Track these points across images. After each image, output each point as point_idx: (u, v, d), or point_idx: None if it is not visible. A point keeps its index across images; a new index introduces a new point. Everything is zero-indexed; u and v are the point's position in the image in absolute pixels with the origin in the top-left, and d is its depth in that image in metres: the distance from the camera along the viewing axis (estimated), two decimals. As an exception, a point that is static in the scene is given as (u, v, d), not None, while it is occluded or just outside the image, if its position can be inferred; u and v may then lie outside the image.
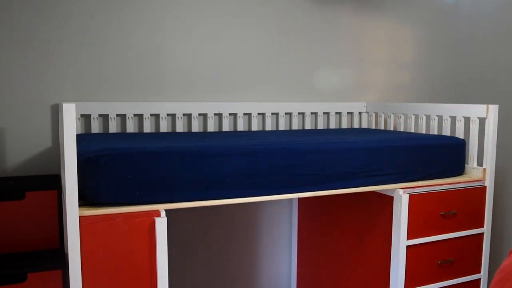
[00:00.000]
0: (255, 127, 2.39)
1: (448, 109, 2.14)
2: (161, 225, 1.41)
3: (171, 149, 1.47)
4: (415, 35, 2.82)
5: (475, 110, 2.01)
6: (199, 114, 2.30)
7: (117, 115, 2.14)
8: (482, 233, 2.01)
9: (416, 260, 1.85)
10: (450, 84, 2.93)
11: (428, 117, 2.38)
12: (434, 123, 2.22)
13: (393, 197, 1.84)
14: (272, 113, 2.47)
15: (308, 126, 2.53)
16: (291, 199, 2.55)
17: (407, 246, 1.82)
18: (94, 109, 2.06)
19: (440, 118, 2.22)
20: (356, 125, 2.65)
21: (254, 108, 2.38)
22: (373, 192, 1.94)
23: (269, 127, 2.44)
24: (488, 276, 2.14)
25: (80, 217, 1.33)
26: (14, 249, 1.67)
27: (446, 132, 2.15)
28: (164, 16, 2.21)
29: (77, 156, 1.31)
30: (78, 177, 1.33)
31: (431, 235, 1.87)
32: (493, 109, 1.95)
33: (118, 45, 2.13)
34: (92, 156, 1.36)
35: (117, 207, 1.39)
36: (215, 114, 2.33)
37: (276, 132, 2.24)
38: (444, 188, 1.89)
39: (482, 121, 2.03)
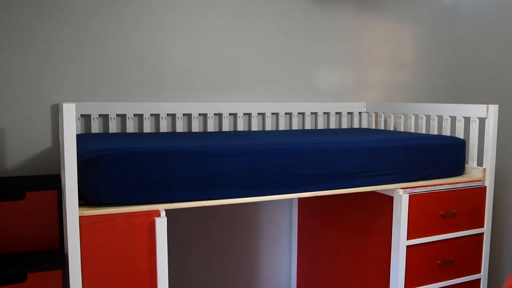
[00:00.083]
0: (255, 127, 2.39)
1: (448, 109, 2.14)
2: (161, 225, 1.41)
3: (171, 149, 1.47)
4: (415, 35, 2.82)
5: (475, 110, 2.01)
6: (199, 114, 2.30)
7: (117, 115, 2.14)
8: (482, 233, 2.01)
9: (416, 260, 1.85)
10: (450, 84, 2.93)
11: (428, 117, 2.38)
12: (434, 123, 2.22)
13: (393, 197, 1.84)
14: (272, 113, 2.47)
15: (308, 126, 2.53)
16: (291, 199, 2.55)
17: (407, 246, 1.82)
18: (94, 109, 2.06)
19: (440, 118, 2.22)
20: (356, 125, 2.65)
21: (254, 108, 2.38)
22: (373, 192, 1.94)
23: (269, 127, 2.44)
24: (488, 276, 2.14)
25: (80, 217, 1.33)
26: (14, 249, 1.67)
27: (446, 132, 2.15)
28: (164, 16, 2.21)
29: (77, 156, 1.31)
30: (78, 177, 1.33)
31: (431, 235, 1.87)
32: (493, 109, 1.95)
33: (118, 45, 2.13)
34: (92, 156, 1.36)
35: (117, 207, 1.39)
36: (215, 114, 2.33)
37: (276, 132, 2.24)
38: (444, 188, 1.89)
39: (482, 121, 2.03)
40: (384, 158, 1.79)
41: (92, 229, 1.35)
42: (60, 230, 1.72)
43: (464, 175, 2.03)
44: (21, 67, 1.97)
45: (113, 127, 2.10)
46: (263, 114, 2.44)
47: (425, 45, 2.85)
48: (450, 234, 1.92)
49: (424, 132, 2.29)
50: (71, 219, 1.31)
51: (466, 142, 2.05)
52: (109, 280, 1.38)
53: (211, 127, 2.29)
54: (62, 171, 1.56)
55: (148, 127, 2.17)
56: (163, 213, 1.42)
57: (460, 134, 2.08)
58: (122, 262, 1.39)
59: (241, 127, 2.36)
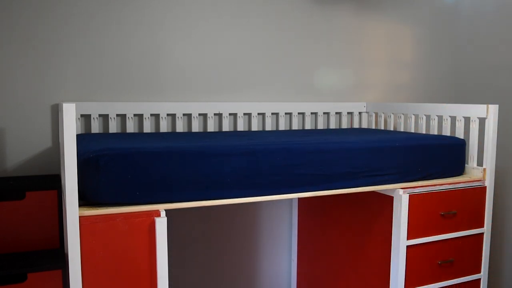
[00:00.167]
0: (255, 127, 2.39)
1: (448, 109, 2.14)
2: (161, 225, 1.41)
3: (171, 149, 1.47)
4: (415, 35, 2.82)
5: (475, 110, 2.01)
6: (199, 114, 2.30)
7: (117, 115, 2.14)
8: (482, 233, 2.01)
9: (416, 260, 1.85)
10: (450, 84, 2.93)
11: (428, 117, 2.38)
12: (434, 123, 2.22)
13: (393, 197, 1.84)
14: (272, 113, 2.47)
15: (308, 126, 2.53)
16: (291, 199, 2.55)
17: (407, 246, 1.82)
18: (94, 109, 2.06)
19: (440, 118, 2.22)
20: (356, 125, 2.65)
21: (254, 108, 2.38)
22: (373, 192, 1.94)
23: (269, 127, 2.44)
24: (488, 276, 2.14)
25: (80, 217, 1.33)
26: (14, 249, 1.67)
27: (446, 132, 2.15)
28: (164, 16, 2.21)
29: (77, 156, 1.31)
30: (78, 177, 1.33)
31: (431, 235, 1.87)
32: (493, 109, 1.95)
33: (118, 45, 2.13)
34: (92, 156, 1.36)
35: (117, 207, 1.39)
36: (215, 114, 2.33)
37: (276, 132, 2.24)
38: (444, 188, 1.89)
39: (482, 121, 2.03)
40: (384, 158, 1.79)
41: (92, 229, 1.35)
42: (60, 230, 1.72)
43: (464, 175, 2.03)
44: (21, 67, 1.97)
45: (113, 127, 2.10)
46: (263, 114, 2.44)
47: (425, 45, 2.85)
48: (450, 234, 1.92)
49: (424, 132, 2.29)
50: (71, 219, 1.31)
51: (466, 142, 2.05)
52: (109, 280, 1.38)
53: (211, 127, 2.29)
54: (62, 171, 1.56)
55: (148, 127, 2.17)
56: (163, 213, 1.42)
57: (460, 134, 2.08)
58: (122, 262, 1.39)
59: (241, 127, 2.36)
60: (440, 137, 2.03)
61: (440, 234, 1.89)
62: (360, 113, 2.67)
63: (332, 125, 2.58)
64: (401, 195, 1.79)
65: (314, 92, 2.58)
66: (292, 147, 1.64)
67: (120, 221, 1.38)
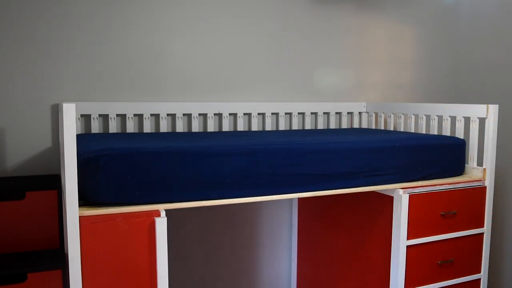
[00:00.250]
0: (255, 127, 2.39)
1: (448, 109, 2.14)
2: (161, 225, 1.41)
3: (171, 149, 1.47)
4: (415, 35, 2.82)
5: (475, 110, 2.01)
6: (199, 114, 2.30)
7: (117, 115, 2.14)
8: (482, 233, 2.01)
9: (416, 260, 1.85)
10: (450, 84, 2.93)
11: (428, 117, 2.38)
12: (434, 123, 2.22)
13: (393, 197, 1.84)
14: (272, 113, 2.47)
15: (308, 126, 2.53)
16: (291, 199, 2.55)
17: (407, 246, 1.82)
18: (94, 109, 2.06)
19: (440, 118, 2.22)
20: (356, 125, 2.65)
21: (254, 108, 2.38)
22: (373, 192, 1.94)
23: (269, 127, 2.44)
24: (488, 276, 2.14)
25: (80, 217, 1.33)
26: (14, 249, 1.67)
27: (446, 132, 2.15)
28: (164, 16, 2.21)
29: (77, 156, 1.31)
30: (78, 177, 1.33)
31: (431, 235, 1.87)
32: (493, 109, 1.95)
33: (118, 45, 2.13)
34: (92, 156, 1.36)
35: (117, 207, 1.39)
36: (215, 114, 2.33)
37: (276, 132, 2.24)
38: (444, 188, 1.89)
39: (482, 121, 2.03)
40: (384, 158, 1.79)
41: (92, 229, 1.35)
42: (60, 230, 1.72)
43: (464, 175, 2.03)
44: (21, 67, 1.97)
45: (113, 127, 2.10)
46: (263, 114, 2.44)
47: (425, 45, 2.85)
48: (450, 234, 1.92)
49: (424, 132, 2.29)
50: (71, 219, 1.31)
51: (466, 142, 2.05)
52: (109, 280, 1.38)
53: (211, 127, 2.29)
54: (62, 171, 1.56)
55: (148, 127, 2.17)
56: (163, 213, 1.42)
57: (460, 134, 2.08)
58: (122, 262, 1.39)
59: (241, 127, 2.36)
60: (440, 137, 2.03)
61: (440, 234, 1.89)
62: (360, 113, 2.67)
63: (332, 125, 2.58)
64: (401, 195, 1.79)
65: (314, 92, 2.58)
66: (292, 147, 1.64)
67: (120, 221, 1.38)
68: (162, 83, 2.23)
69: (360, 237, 2.06)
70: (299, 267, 2.53)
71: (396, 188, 1.81)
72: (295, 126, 2.50)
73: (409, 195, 1.81)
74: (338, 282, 2.21)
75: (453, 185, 1.91)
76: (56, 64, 2.03)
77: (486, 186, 1.99)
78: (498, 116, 2.23)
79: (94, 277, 1.36)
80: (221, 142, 1.67)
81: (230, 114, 2.36)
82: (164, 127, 2.20)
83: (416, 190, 1.83)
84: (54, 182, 1.77)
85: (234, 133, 2.16)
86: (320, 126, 2.55)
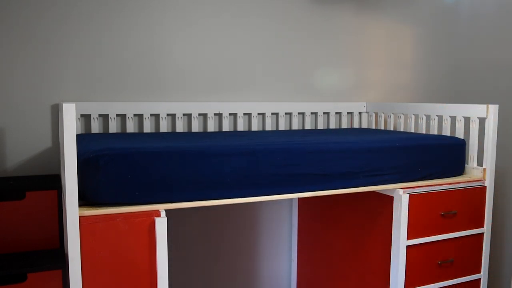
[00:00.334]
0: (255, 127, 2.39)
1: (448, 109, 2.14)
2: (161, 225, 1.41)
3: (171, 149, 1.47)
4: (415, 35, 2.82)
5: (475, 110, 2.01)
6: (199, 114, 2.30)
7: (117, 115, 2.14)
8: (482, 233, 2.01)
9: (416, 260, 1.85)
10: (450, 84, 2.93)
11: (428, 117, 2.38)
12: (434, 123, 2.22)
13: (393, 197, 1.84)
14: (272, 113, 2.47)
15: (308, 126, 2.53)
16: (291, 199, 2.55)
17: (407, 246, 1.82)
18: (94, 109, 2.06)
19: (440, 118, 2.22)
20: (356, 125, 2.65)
21: (254, 108, 2.38)
22: (373, 192, 1.94)
23: (269, 127, 2.44)
24: (488, 276, 2.14)
25: (80, 217, 1.33)
26: (14, 249, 1.67)
27: (446, 132, 2.15)
28: (164, 16, 2.21)
29: (77, 156, 1.31)
30: (78, 177, 1.33)
31: (431, 235, 1.87)
32: (493, 109, 1.95)
33: (118, 45, 2.13)
34: (92, 156, 1.36)
35: (117, 207, 1.39)
36: (215, 114, 2.33)
37: (276, 132, 2.24)
38: (444, 188, 1.89)
39: (482, 121, 2.03)
40: (384, 158, 1.79)
41: (92, 229, 1.35)
42: (60, 230, 1.72)
43: (464, 175, 2.03)
44: (21, 67, 1.97)
45: (113, 127, 2.10)
46: (263, 114, 2.44)
47: (425, 45, 2.85)
48: (450, 234, 1.92)
49: (424, 132, 2.29)
50: (71, 219, 1.31)
51: (466, 142, 2.05)
52: (109, 280, 1.38)
53: (211, 127, 2.29)
54: (62, 171, 1.56)
55: (148, 127, 2.17)
56: (163, 213, 1.42)
57: (460, 134, 2.08)
58: (122, 262, 1.39)
59: (241, 127, 2.36)
60: (440, 137, 2.03)
61: (440, 234, 1.89)
62: (360, 113, 2.67)
63: (332, 125, 2.58)
64: (401, 195, 1.79)
65: (314, 92, 2.58)
66: (292, 147, 1.64)
67: (120, 221, 1.38)
68: (162, 83, 2.23)
69: (360, 237, 2.06)
70: (299, 267, 2.54)
71: (396, 188, 1.81)
72: (295, 126, 2.50)
73: (409, 195, 1.81)
74: (338, 282, 2.21)
75: (453, 185, 1.91)
76: (56, 64, 2.03)
77: (486, 186, 1.99)
78: (498, 116, 2.23)
79: (94, 277, 1.36)
80: (221, 142, 1.67)
81: (230, 114, 2.36)
82: (164, 127, 2.20)
83: (416, 190, 1.83)
84: (54, 182, 1.77)
85: (234, 133, 2.16)
86: (320, 126, 2.55)
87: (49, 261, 1.55)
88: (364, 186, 1.76)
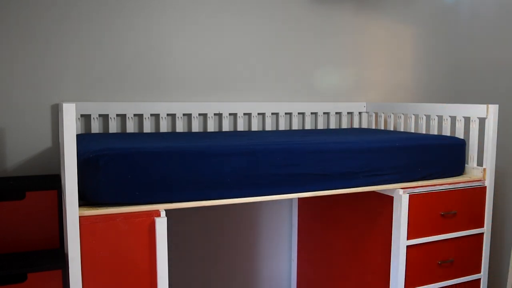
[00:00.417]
0: (255, 127, 2.39)
1: (448, 109, 2.14)
2: (161, 225, 1.41)
3: (171, 149, 1.47)
4: (415, 35, 2.82)
5: (475, 110, 2.01)
6: (199, 114, 2.30)
7: (117, 115, 2.14)
8: (482, 233, 2.01)
9: (416, 260, 1.85)
10: (450, 84, 2.93)
11: (428, 117, 2.38)
12: (434, 123, 2.22)
13: (393, 197, 1.84)
14: (272, 113, 2.47)
15: (308, 126, 2.54)
16: (291, 199, 2.55)
17: (407, 246, 1.82)
18: (94, 109, 2.06)
19: (440, 118, 2.22)
20: (356, 125, 2.65)
21: (254, 108, 2.38)
22: (373, 192, 1.94)
23: (269, 127, 2.44)
24: (488, 276, 2.14)
25: (80, 217, 1.33)
26: (14, 249, 1.67)
27: (446, 132, 2.15)
28: (164, 16, 2.21)
29: (77, 156, 1.31)
30: (78, 177, 1.33)
31: (431, 235, 1.87)
32: (493, 109, 1.95)
33: (118, 45, 2.13)
34: (92, 156, 1.36)
35: (117, 207, 1.39)
36: (215, 114, 2.33)
37: (276, 132, 2.24)
38: (444, 188, 1.89)
39: (482, 121, 2.03)
40: (384, 158, 1.79)
41: (92, 229, 1.35)
42: (60, 230, 1.72)
43: (464, 175, 2.03)
44: (21, 67, 1.97)
45: (113, 127, 2.10)
46: (263, 114, 2.44)
47: (425, 45, 2.85)
48: (450, 234, 1.92)
49: (424, 132, 2.29)
50: (71, 219, 1.31)
51: (466, 142, 2.05)
52: (109, 280, 1.38)
53: (211, 127, 2.30)
54: (62, 171, 1.56)
55: (148, 127, 2.17)
56: (163, 213, 1.42)
57: (460, 134, 2.08)
58: (122, 262, 1.39)
59: (241, 127, 2.36)
60: (440, 137, 2.03)
61: (440, 234, 1.89)
62: (360, 113, 2.67)
63: (332, 125, 2.58)
64: (401, 195, 1.79)
65: (314, 92, 2.58)
66: (292, 147, 1.64)
67: (120, 221, 1.38)
68: (162, 83, 2.23)
69: (360, 237, 2.06)
70: (299, 267, 2.54)
71: (396, 188, 1.81)
72: (295, 126, 2.50)
73: (409, 195, 1.81)
74: (338, 282, 2.21)
75: (453, 185, 1.91)
76: (56, 64, 2.03)
77: (486, 186, 1.99)
78: (498, 116, 2.23)
79: (94, 277, 1.36)
80: (221, 142, 1.67)
81: (230, 114, 2.36)
82: (164, 127, 2.20)
83: (416, 190, 1.83)
84: (54, 182, 1.77)
85: (234, 133, 2.16)
86: (320, 126, 2.55)
87: (49, 261, 1.55)
88: (364, 186, 1.76)
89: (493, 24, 2.81)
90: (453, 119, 2.15)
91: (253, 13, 2.39)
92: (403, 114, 2.42)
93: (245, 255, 2.48)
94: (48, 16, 2.00)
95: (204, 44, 2.30)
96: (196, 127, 2.27)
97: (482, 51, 2.86)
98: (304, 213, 2.46)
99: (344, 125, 2.61)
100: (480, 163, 2.05)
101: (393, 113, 2.49)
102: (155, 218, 1.41)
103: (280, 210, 2.54)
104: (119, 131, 2.15)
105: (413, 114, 2.35)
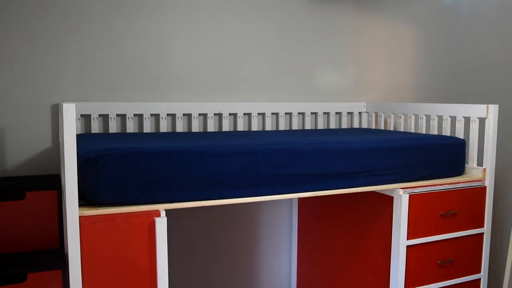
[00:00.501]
0: (255, 127, 2.39)
1: (448, 109, 2.14)
2: (161, 225, 1.41)
3: (171, 149, 1.47)
4: (415, 35, 2.82)
5: (475, 110, 2.01)
6: (199, 114, 2.30)
7: (117, 115, 2.14)
8: (482, 233, 2.01)
9: (416, 260, 1.85)
10: (450, 84, 2.93)
11: (428, 117, 2.38)
12: (434, 123, 2.22)
13: (393, 197, 1.84)
14: (272, 113, 2.47)
15: (308, 126, 2.53)
16: (291, 199, 2.55)
17: (407, 246, 1.82)
18: (94, 109, 2.06)
19: (440, 118, 2.22)
20: (356, 125, 2.65)
21: (254, 108, 2.38)
22: (373, 192, 1.94)
23: (269, 127, 2.44)
24: (488, 276, 2.14)
25: (80, 217, 1.33)
26: (14, 249, 1.67)
27: (446, 132, 2.15)
28: (164, 16, 2.21)
29: (77, 156, 1.31)
30: (78, 177, 1.33)
31: (431, 235, 1.87)
32: (493, 109, 1.95)
33: (118, 45, 2.13)
34: (92, 156, 1.36)
35: (117, 207, 1.39)
36: (215, 114, 2.33)
37: (276, 132, 2.24)
38: (444, 188, 1.89)
39: (482, 121, 2.03)
40: (384, 158, 1.79)
41: (92, 229, 1.35)
42: (60, 230, 1.72)
43: (464, 175, 2.03)
44: (21, 67, 1.97)
45: (113, 127, 2.10)
46: (263, 114, 2.44)
47: (425, 45, 2.85)
48: (450, 234, 1.92)
49: (424, 132, 2.29)
50: (71, 219, 1.31)
51: (466, 142, 2.05)
52: (109, 280, 1.38)
53: (211, 127, 2.30)
54: (62, 171, 1.56)
55: (148, 127, 2.17)
56: (163, 213, 1.42)
57: (460, 134, 2.08)
58: (122, 262, 1.39)
59: (241, 127, 2.36)
60: (440, 137, 2.03)
61: (440, 234, 1.89)
62: (360, 113, 2.67)
63: (332, 125, 2.58)
64: (401, 195, 1.79)
65: (314, 92, 2.58)
66: (292, 147, 1.64)
67: (120, 221, 1.38)
68: (162, 83, 2.23)
69: (360, 237, 2.06)
70: (299, 267, 2.54)
71: (396, 188, 1.81)
72: (295, 126, 2.50)
73: (409, 195, 1.81)
74: (338, 282, 2.21)
75: (453, 185, 1.91)
76: (56, 64, 2.03)
77: (486, 186, 1.99)
78: (498, 116, 2.23)
79: (94, 277, 1.36)
80: (221, 142, 1.67)
81: (230, 114, 2.36)
82: (164, 127, 2.20)
83: (416, 190, 1.83)
84: (54, 182, 1.77)
85: (234, 133, 2.16)
86: (320, 126, 2.55)
87: (49, 261, 1.55)
88: (364, 186, 1.76)
89: (493, 24, 2.81)
90: (453, 119, 2.15)
91: (253, 13, 2.39)
92: (403, 114, 2.42)
93: (245, 255, 2.48)
94: (48, 16, 2.00)
95: (204, 44, 2.30)
96: (196, 127, 2.27)
97: (482, 51, 2.86)
98: (304, 213, 2.46)
99: (344, 125, 2.61)
100: (480, 163, 2.05)
101: (393, 113, 2.49)
102: (155, 218, 1.41)
103: (280, 210, 2.54)
104: (119, 131, 2.15)
105: (413, 114, 2.35)
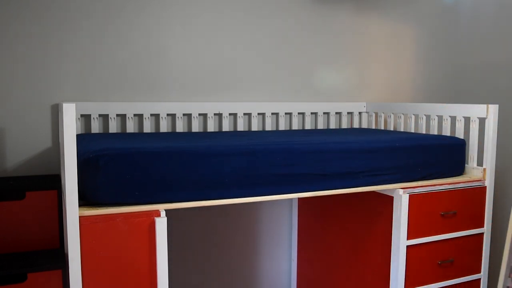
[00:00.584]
0: (255, 127, 2.39)
1: (448, 109, 2.14)
2: (161, 225, 1.41)
3: (171, 149, 1.47)
4: (415, 35, 2.82)
5: (475, 110, 2.01)
6: (199, 114, 2.30)
7: (117, 115, 2.14)
8: (482, 233, 2.01)
9: (416, 260, 1.85)
10: (450, 84, 2.93)
11: (428, 117, 2.38)
12: (434, 123, 2.22)
13: (393, 197, 1.84)
14: (272, 113, 2.47)
15: (308, 126, 2.53)
16: (291, 199, 2.55)
17: (407, 246, 1.82)
18: (94, 109, 2.06)
19: (440, 118, 2.22)
20: (356, 125, 2.65)
21: (254, 108, 2.38)
22: (373, 192, 1.94)
23: (269, 127, 2.44)
24: (488, 276, 2.14)
25: (80, 217, 1.33)
26: (14, 249, 1.67)
27: (446, 132, 2.15)
28: (164, 16, 2.21)
29: (77, 156, 1.31)
30: (78, 177, 1.33)
31: (431, 235, 1.87)
32: (493, 109, 1.95)
33: (118, 45, 2.13)
34: (92, 156, 1.36)
35: (117, 207, 1.39)
36: (215, 114, 2.33)
37: (276, 132, 2.24)
38: (444, 188, 1.89)
39: (482, 121, 2.03)
40: (384, 158, 1.79)
41: (92, 229, 1.35)
42: (60, 230, 1.72)
43: (464, 175, 2.03)
44: (21, 67, 1.97)
45: (113, 127, 2.10)
46: (263, 114, 2.44)
47: (425, 45, 2.85)
48: (450, 234, 1.92)
49: (424, 132, 2.29)
50: (71, 219, 1.31)
51: (466, 142, 2.05)
52: (109, 280, 1.38)
53: (211, 127, 2.29)
54: (62, 171, 1.56)
55: (148, 127, 2.17)
56: (163, 213, 1.42)
57: (460, 134, 2.08)
58: (122, 262, 1.39)
59: (241, 127, 2.36)
60: (440, 137, 2.03)
61: (440, 234, 1.89)
62: (360, 113, 2.67)
63: (332, 125, 2.58)
64: (401, 195, 1.79)
65: (314, 92, 2.58)
66: (292, 147, 1.64)
67: (120, 221, 1.38)
68: (162, 83, 2.23)
69: (360, 237, 2.06)
70: (299, 267, 2.54)
71: (396, 188, 1.81)
72: (295, 126, 2.50)
73: (409, 195, 1.81)
74: (338, 282, 2.21)
75: (453, 185, 1.91)
76: (56, 64, 2.03)
77: (486, 186, 1.99)
78: (498, 116, 2.23)
79: (94, 277, 1.36)
80: (221, 142, 1.67)
81: (230, 114, 2.36)
82: (164, 127, 2.20)
83: (416, 190, 1.83)
84: (54, 182, 1.77)
85: (234, 133, 2.16)
86: (320, 126, 2.55)
87: (49, 261, 1.55)
88: (364, 186, 1.76)
89: (493, 24, 2.81)
90: (453, 119, 2.15)
91: (253, 13, 2.39)
92: (403, 114, 2.42)
93: (245, 255, 2.48)
94: (48, 16, 2.00)
95: (204, 44, 2.30)
96: (196, 127, 2.27)
97: (482, 51, 2.85)
98: (304, 213, 2.46)
99: (344, 125, 2.61)
100: (480, 163, 2.05)
101: (393, 113, 2.49)
102: (155, 218, 1.41)
103: (280, 210, 2.54)
104: (119, 131, 2.15)
105: (413, 114, 2.35)
